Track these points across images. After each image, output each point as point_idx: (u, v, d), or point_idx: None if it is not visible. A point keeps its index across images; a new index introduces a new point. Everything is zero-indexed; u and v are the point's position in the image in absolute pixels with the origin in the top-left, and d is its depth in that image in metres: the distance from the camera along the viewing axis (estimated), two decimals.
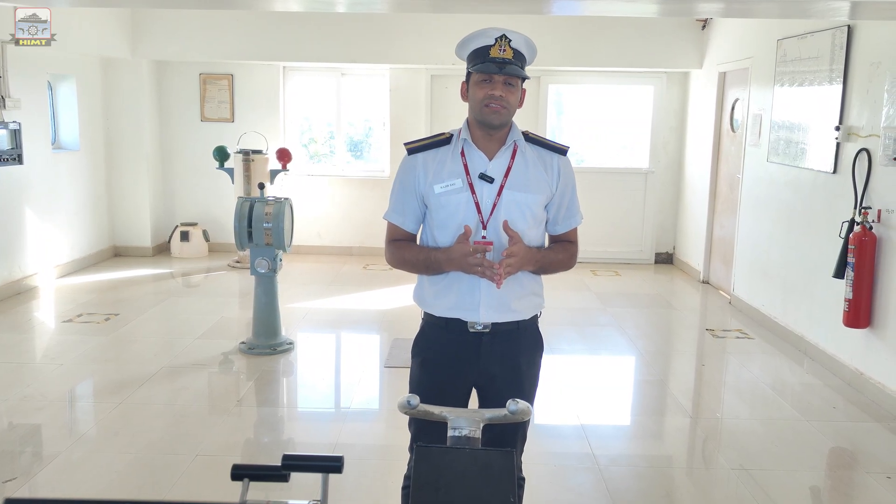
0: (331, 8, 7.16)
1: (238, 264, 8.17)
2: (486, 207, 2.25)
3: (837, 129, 5.13)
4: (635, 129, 8.92)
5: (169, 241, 8.80)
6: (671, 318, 6.79)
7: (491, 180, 2.25)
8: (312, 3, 5.77)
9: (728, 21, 7.36)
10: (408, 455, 2.43)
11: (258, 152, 8.01)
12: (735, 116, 7.36)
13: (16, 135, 6.49)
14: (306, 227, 8.66)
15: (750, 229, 6.68)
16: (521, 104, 2.29)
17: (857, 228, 4.74)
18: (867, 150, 4.79)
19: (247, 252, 5.46)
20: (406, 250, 2.33)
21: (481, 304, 2.26)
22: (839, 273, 4.83)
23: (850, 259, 4.71)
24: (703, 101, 8.06)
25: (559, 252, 2.36)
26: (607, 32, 7.93)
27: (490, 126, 2.25)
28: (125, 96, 8.40)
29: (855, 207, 4.85)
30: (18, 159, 6.55)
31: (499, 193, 2.25)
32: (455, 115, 8.58)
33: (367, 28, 7.94)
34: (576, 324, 6.32)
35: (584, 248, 9.56)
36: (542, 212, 2.32)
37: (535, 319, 2.39)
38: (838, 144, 5.16)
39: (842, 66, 5.12)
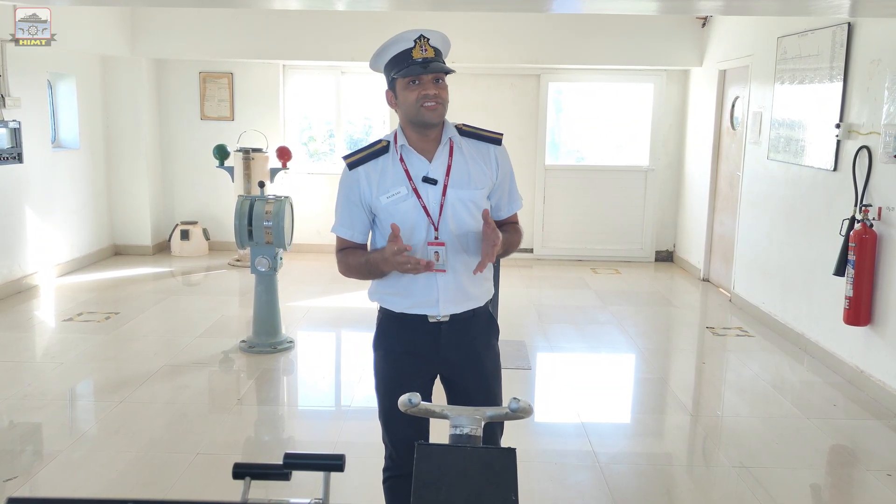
0: (330, 6, 7.15)
1: (238, 263, 8.17)
2: (433, 209, 2.28)
3: (838, 126, 5.13)
4: (635, 126, 8.92)
5: (169, 240, 8.80)
6: (671, 316, 6.79)
7: (435, 182, 2.28)
8: (312, 2, 5.76)
9: (728, 19, 7.35)
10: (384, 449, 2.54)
11: (258, 150, 8.01)
12: (735, 114, 7.35)
13: (16, 133, 6.49)
14: (306, 226, 8.64)
15: (750, 227, 6.68)
16: None
17: (857, 226, 4.74)
18: (867, 148, 4.79)
19: (247, 250, 5.46)
20: (350, 256, 2.38)
21: (440, 300, 2.32)
22: (839, 271, 4.83)
23: (851, 257, 4.71)
24: (703, 98, 8.05)
25: (513, 234, 2.45)
26: (607, 30, 7.92)
27: (430, 125, 2.26)
28: (125, 95, 8.40)
29: (855, 205, 4.85)
30: (18, 158, 6.54)
31: (443, 193, 2.28)
32: (452, 113, 8.52)
33: (367, 26, 7.93)
34: (576, 322, 6.32)
35: (584, 246, 9.56)
36: (485, 203, 2.37)
37: (487, 306, 2.47)
38: (839, 142, 5.15)
39: (842, 64, 5.12)
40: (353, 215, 2.35)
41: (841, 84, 5.13)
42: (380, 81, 8.00)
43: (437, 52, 2.24)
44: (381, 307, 2.42)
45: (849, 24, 5.05)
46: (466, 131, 2.37)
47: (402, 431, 2.38)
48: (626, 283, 7.88)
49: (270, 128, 8.68)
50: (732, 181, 7.24)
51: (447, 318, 2.33)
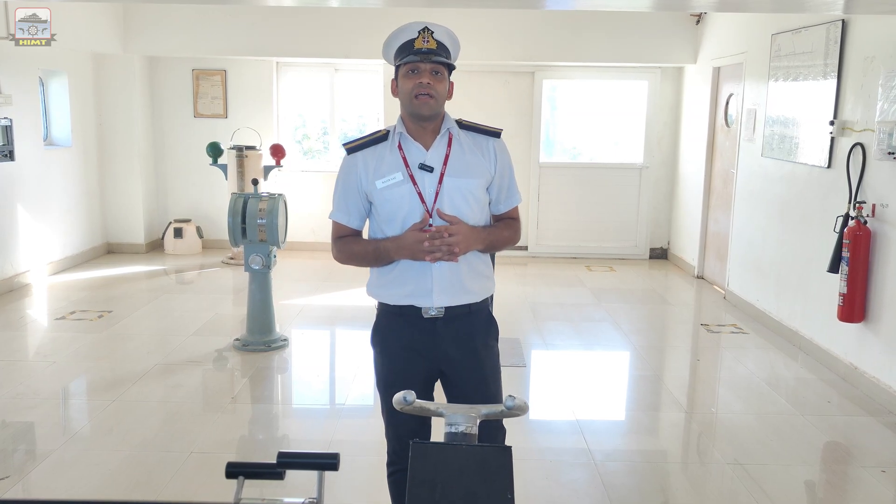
0: (324, 3, 7.14)
1: (232, 261, 8.14)
2: (429, 197, 2.29)
3: (832, 123, 5.14)
4: (629, 124, 8.92)
5: (162, 238, 8.76)
6: (666, 314, 6.80)
7: (431, 170, 2.30)
8: None
9: (722, 16, 7.36)
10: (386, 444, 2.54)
11: (252, 148, 7.98)
12: (729, 111, 7.36)
13: (7, 131, 6.45)
14: (300, 224, 8.62)
15: (744, 224, 6.69)
16: (450, 96, 2.35)
17: (851, 223, 4.75)
18: (861, 145, 4.79)
19: (241, 248, 5.45)
20: (354, 244, 2.41)
21: (434, 290, 2.31)
22: (833, 268, 4.84)
23: (845, 254, 4.71)
24: (697, 96, 8.06)
25: (504, 229, 2.43)
26: (601, 27, 7.92)
27: (421, 117, 2.29)
28: (117, 92, 8.36)
29: (849, 202, 4.85)
30: (10, 156, 6.51)
31: (440, 181, 2.30)
32: (447, 109, 8.55)
33: (361, 23, 7.90)
34: (570, 319, 6.32)
35: (579, 244, 9.56)
36: (483, 195, 2.37)
37: (486, 303, 2.44)
38: (832, 139, 5.16)
39: (836, 61, 5.12)
40: (350, 201, 2.39)
41: (835, 81, 5.14)
42: (373, 79, 7.97)
43: (441, 45, 2.27)
44: (378, 303, 2.42)
45: (843, 21, 5.06)
46: (466, 125, 2.40)
47: (405, 426, 2.36)
48: (621, 280, 7.88)
49: (264, 125, 8.66)
50: (727, 178, 7.25)
51: (442, 313, 2.32)
